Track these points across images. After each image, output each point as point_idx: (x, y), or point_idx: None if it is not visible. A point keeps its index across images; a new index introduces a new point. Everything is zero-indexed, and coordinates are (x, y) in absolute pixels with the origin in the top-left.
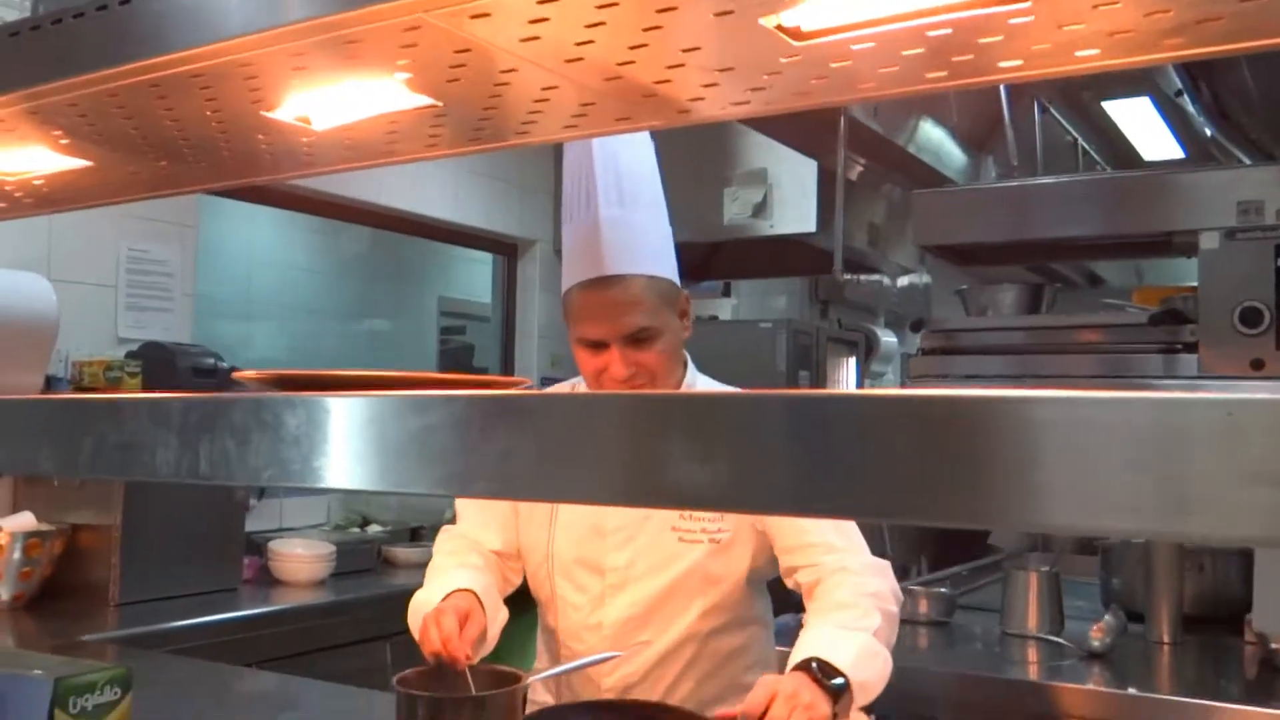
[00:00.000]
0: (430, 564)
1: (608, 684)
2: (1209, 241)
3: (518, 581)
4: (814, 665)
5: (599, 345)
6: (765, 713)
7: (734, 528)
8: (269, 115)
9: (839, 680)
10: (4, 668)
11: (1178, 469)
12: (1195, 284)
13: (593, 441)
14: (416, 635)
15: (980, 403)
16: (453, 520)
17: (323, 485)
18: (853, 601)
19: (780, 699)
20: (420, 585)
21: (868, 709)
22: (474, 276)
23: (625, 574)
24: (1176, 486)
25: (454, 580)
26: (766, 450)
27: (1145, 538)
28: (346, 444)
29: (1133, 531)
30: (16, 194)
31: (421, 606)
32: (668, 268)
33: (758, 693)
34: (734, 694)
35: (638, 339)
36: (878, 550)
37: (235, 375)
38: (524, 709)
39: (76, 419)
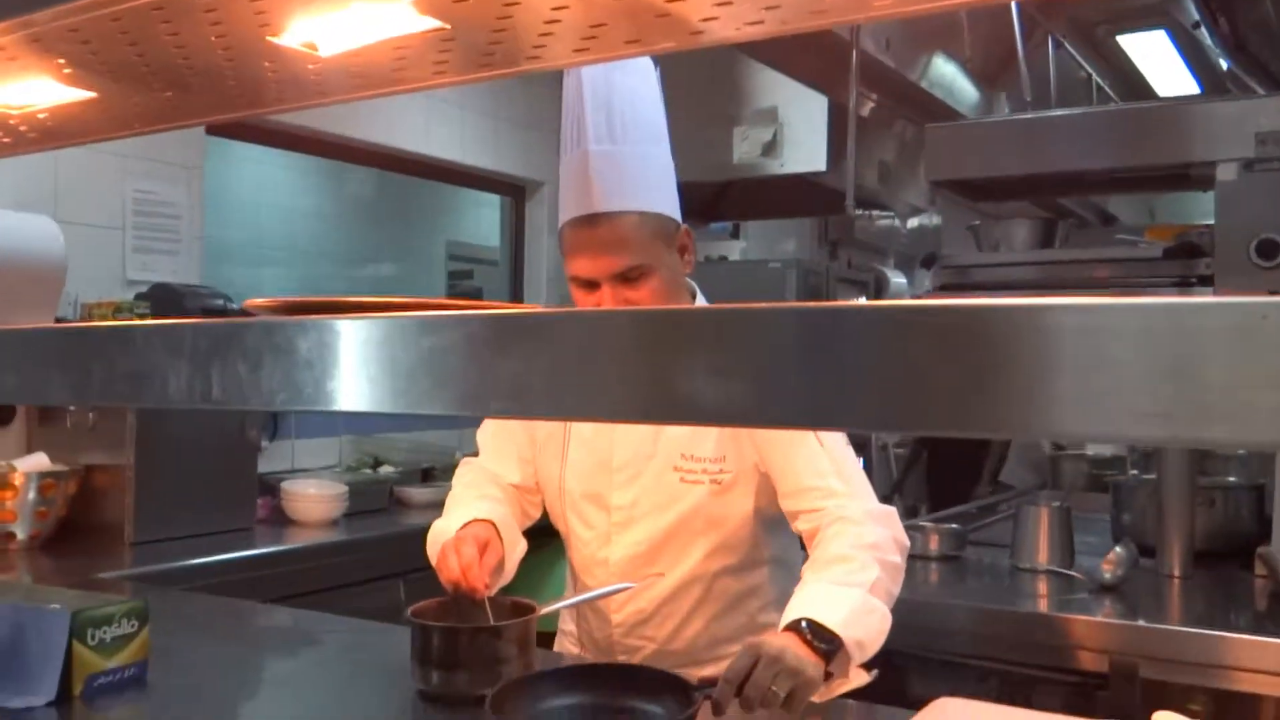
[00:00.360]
0: (449, 495)
1: (618, 619)
2: (1226, 173)
3: (536, 515)
4: (804, 625)
5: (591, 284)
6: (748, 678)
7: (735, 469)
8: (275, 41)
9: (831, 640)
10: (22, 601)
11: (1209, 374)
12: (1207, 222)
13: (608, 358)
14: (434, 563)
15: (1001, 311)
16: (474, 454)
17: (335, 408)
18: (850, 554)
19: (763, 663)
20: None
21: (868, 664)
22: (481, 220)
23: (630, 512)
24: (1206, 392)
25: (473, 510)
26: (783, 363)
27: (1174, 445)
28: (359, 366)
29: (1162, 439)
30: (20, 128)
31: (440, 535)
32: (664, 202)
33: (741, 657)
34: (750, 633)
35: (628, 278)
36: (887, 491)
37: (246, 304)
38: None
39: (87, 346)
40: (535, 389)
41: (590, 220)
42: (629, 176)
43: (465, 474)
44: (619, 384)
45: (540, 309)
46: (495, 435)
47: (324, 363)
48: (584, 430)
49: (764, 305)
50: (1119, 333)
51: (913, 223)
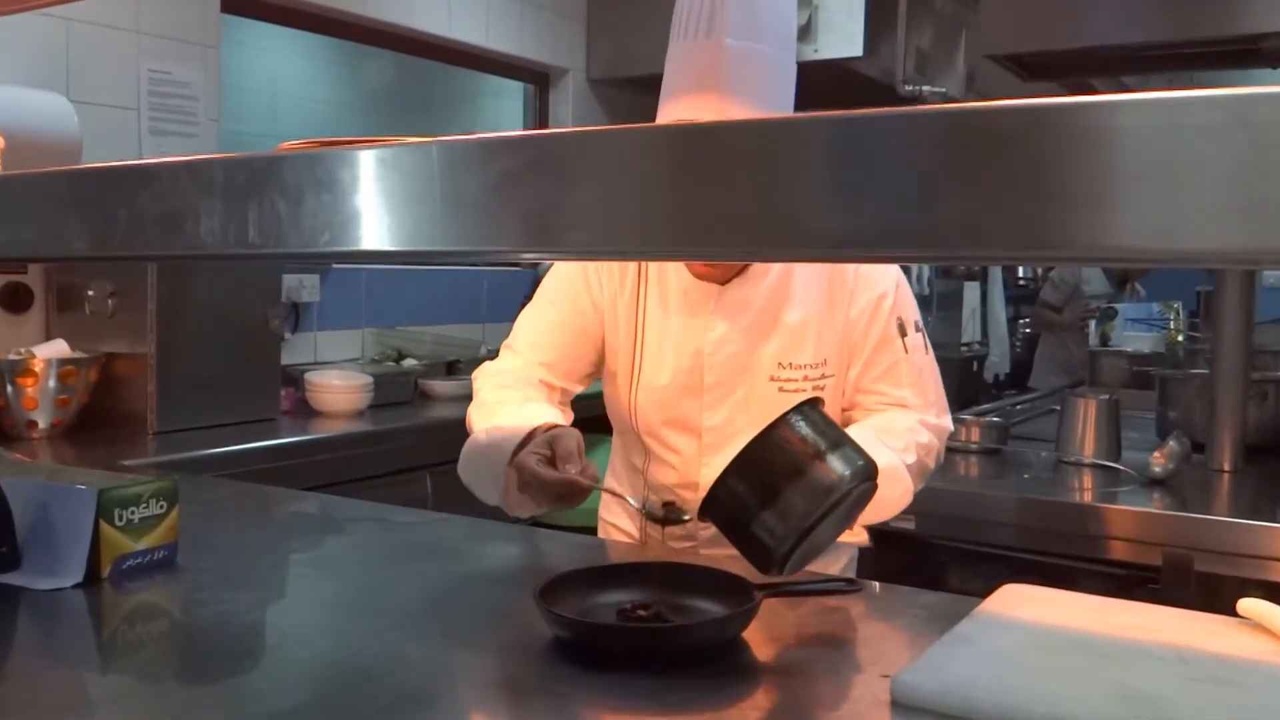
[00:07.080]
0: (480, 401)
1: (706, 534)
2: None
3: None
4: None
5: None
6: None
7: (837, 371)
8: None
9: None
10: (47, 481)
11: None
12: None
13: (707, 177)
14: (486, 488)
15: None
16: (490, 356)
17: (387, 248)
18: (900, 431)
19: None
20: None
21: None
22: (502, 112)
23: (724, 431)
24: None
25: (531, 413)
26: (883, 176)
27: (1248, 265)
28: (415, 200)
29: (1236, 255)
30: None
31: (490, 453)
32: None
33: None
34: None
35: None
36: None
37: (280, 147)
38: None
39: (110, 188)
40: (623, 217)
41: None
42: (763, 83)
43: (494, 379)
44: (721, 207)
45: (624, 126)
46: (535, 329)
47: (373, 198)
48: (661, 352)
49: (885, 110)
50: (1189, 131)
51: None
